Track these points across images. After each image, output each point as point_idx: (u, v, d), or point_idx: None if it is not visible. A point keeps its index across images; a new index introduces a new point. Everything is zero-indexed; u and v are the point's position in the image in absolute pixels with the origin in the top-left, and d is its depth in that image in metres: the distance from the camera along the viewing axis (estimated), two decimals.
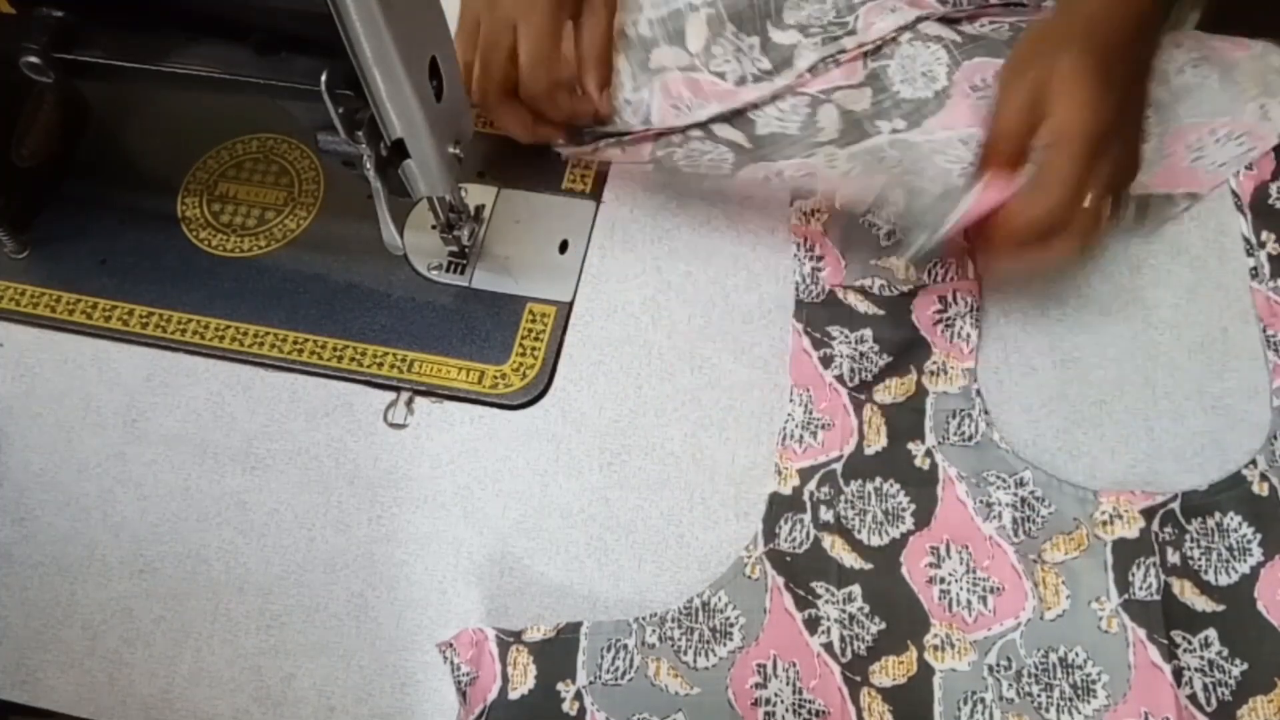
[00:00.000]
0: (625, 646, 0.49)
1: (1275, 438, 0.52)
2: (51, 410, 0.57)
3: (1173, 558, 0.49)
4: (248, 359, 0.58)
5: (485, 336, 0.58)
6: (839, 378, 0.55)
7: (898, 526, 0.51)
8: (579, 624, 0.50)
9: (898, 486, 0.52)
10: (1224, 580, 0.49)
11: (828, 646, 0.49)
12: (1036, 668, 0.48)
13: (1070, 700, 0.47)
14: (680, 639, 0.49)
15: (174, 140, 0.65)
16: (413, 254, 0.60)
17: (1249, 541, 0.49)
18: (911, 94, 0.59)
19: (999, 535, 0.51)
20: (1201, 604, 0.49)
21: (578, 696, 0.48)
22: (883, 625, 0.49)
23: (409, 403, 0.57)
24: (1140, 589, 0.49)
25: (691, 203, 0.61)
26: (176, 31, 0.50)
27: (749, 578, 0.50)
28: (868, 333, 0.56)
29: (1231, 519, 0.50)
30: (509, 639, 0.49)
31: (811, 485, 0.52)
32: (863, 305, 0.56)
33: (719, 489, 0.53)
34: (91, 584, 0.53)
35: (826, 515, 0.52)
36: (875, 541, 0.51)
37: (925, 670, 0.48)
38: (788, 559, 0.51)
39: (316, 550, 0.53)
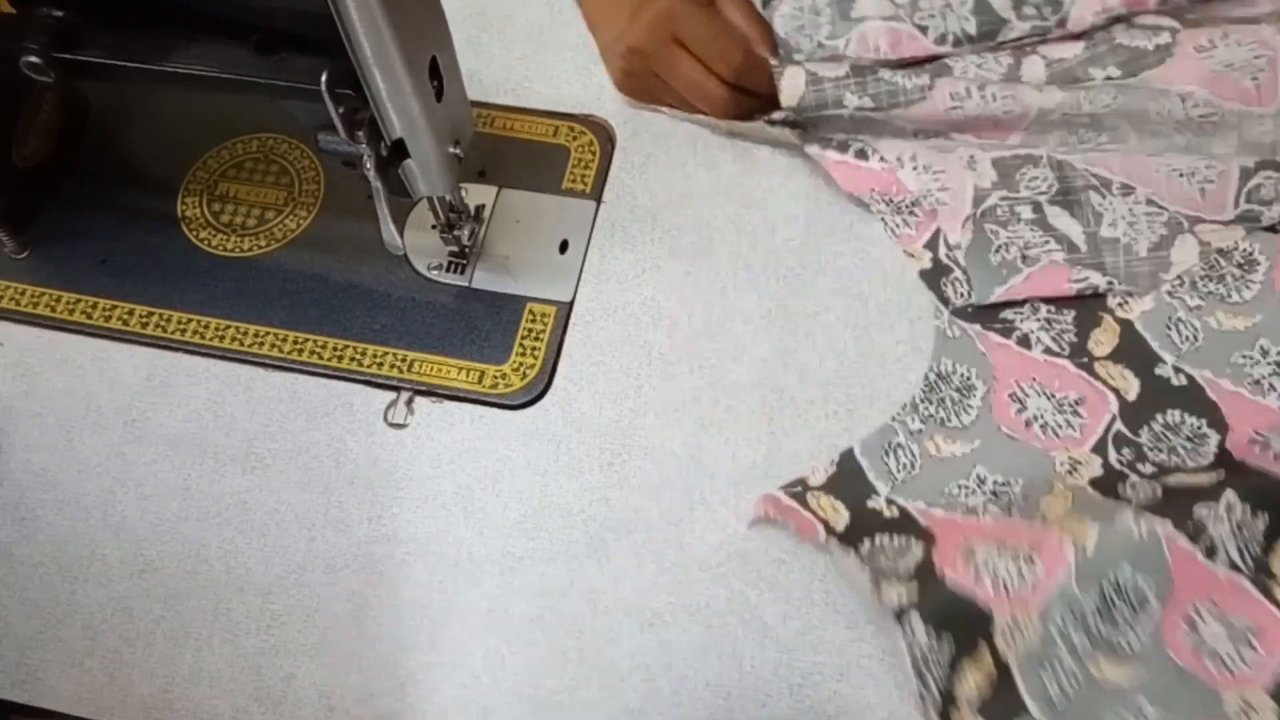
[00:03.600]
0: (900, 445, 0.52)
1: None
2: (51, 410, 0.57)
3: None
4: (248, 359, 0.58)
5: (485, 336, 0.58)
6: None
7: None
8: (850, 450, 0.53)
9: None
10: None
11: (1047, 350, 0.54)
12: None
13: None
14: (938, 411, 0.53)
15: (174, 140, 0.65)
16: (413, 254, 0.60)
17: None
18: (1130, 42, 0.59)
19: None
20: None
21: (889, 503, 0.51)
22: (1073, 313, 0.54)
23: (409, 403, 0.57)
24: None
25: (692, 201, 0.61)
26: (176, 31, 0.50)
27: (952, 338, 0.55)
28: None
29: None
30: (798, 489, 0.52)
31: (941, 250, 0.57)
32: None
33: (719, 489, 0.53)
34: (91, 584, 0.53)
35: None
36: None
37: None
38: (969, 310, 0.55)
39: (316, 550, 0.53)
